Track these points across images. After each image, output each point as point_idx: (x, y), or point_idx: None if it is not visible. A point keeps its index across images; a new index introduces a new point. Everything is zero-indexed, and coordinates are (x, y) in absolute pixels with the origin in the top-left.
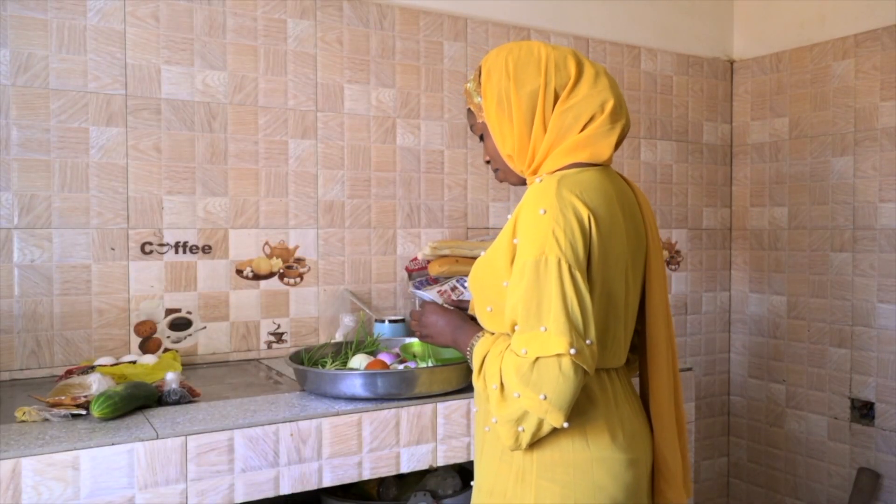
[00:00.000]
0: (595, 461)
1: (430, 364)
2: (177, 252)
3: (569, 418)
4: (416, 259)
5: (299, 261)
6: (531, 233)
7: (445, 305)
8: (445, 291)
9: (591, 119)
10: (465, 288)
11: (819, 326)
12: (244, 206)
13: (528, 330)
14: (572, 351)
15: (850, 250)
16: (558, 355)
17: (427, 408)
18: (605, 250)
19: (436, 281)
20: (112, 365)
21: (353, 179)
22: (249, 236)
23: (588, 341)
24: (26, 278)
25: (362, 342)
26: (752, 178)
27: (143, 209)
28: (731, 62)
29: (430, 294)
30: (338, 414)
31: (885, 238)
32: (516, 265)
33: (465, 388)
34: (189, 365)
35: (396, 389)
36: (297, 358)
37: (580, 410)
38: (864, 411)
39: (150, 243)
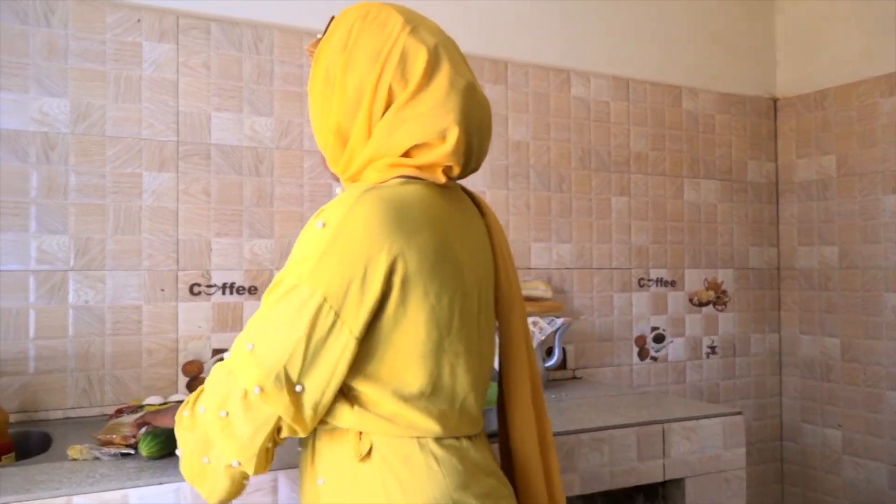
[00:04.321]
0: None
1: None
2: (224, 293)
3: (250, 467)
4: None
5: None
6: (302, 247)
7: None
8: None
9: (425, 146)
10: None
11: (875, 370)
12: (289, 248)
13: (243, 339)
14: (255, 389)
15: None
16: (245, 387)
17: None
18: (414, 284)
19: None
20: (160, 404)
21: None
22: None
23: (298, 387)
24: (80, 319)
25: None
26: (800, 216)
27: (192, 251)
28: (775, 100)
29: None
30: None
31: None
32: (274, 280)
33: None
34: None
35: None
36: None
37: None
38: None
39: (199, 284)
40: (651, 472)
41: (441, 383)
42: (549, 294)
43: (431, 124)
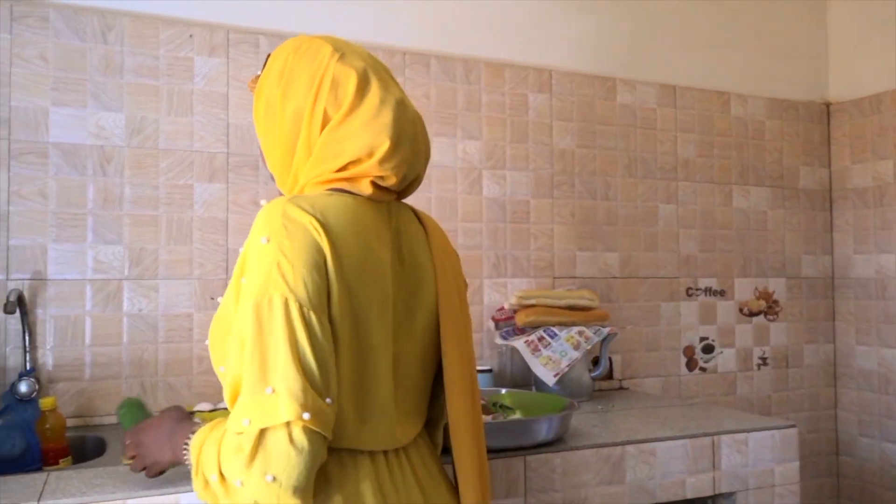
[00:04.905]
0: None
1: (518, 416)
2: None
3: (309, 501)
4: (502, 308)
5: None
6: (253, 268)
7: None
8: (532, 341)
9: (357, 161)
10: (552, 338)
11: None
12: None
13: (252, 394)
14: (306, 416)
15: None
16: (287, 424)
17: (516, 461)
18: (351, 288)
19: (523, 331)
20: (210, 411)
21: None
22: None
23: (328, 399)
24: (134, 326)
25: None
26: (855, 223)
27: None
28: (828, 105)
29: (518, 344)
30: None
31: None
32: (238, 312)
33: (554, 441)
34: None
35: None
36: None
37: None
38: None
39: None
40: (701, 486)
41: (357, 394)
42: (595, 303)
43: (365, 140)
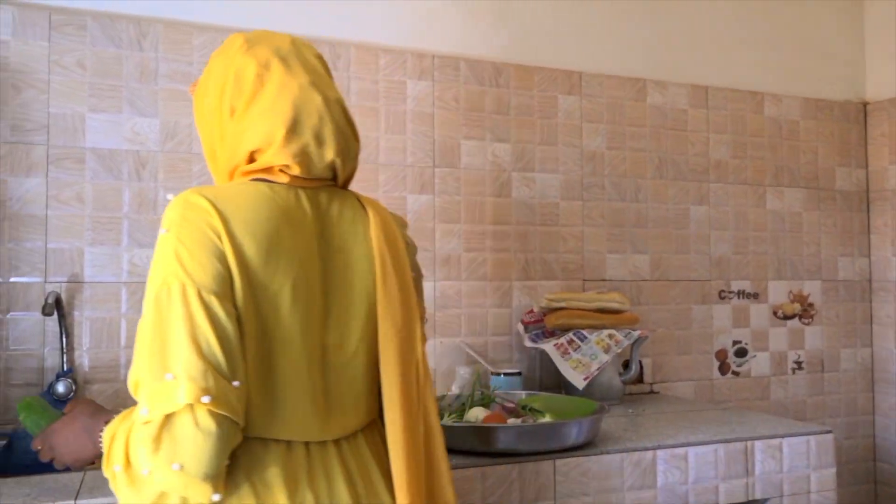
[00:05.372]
0: None
1: (548, 419)
2: None
3: (221, 488)
4: (532, 311)
5: None
6: (155, 260)
7: (71, 410)
8: (562, 344)
9: (259, 150)
10: (582, 341)
11: None
12: None
13: (153, 381)
14: (205, 399)
15: None
16: (191, 407)
17: (546, 464)
18: (255, 277)
19: (552, 334)
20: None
21: (468, 233)
22: None
23: (235, 382)
24: None
25: (479, 395)
26: (893, 225)
27: None
28: (865, 104)
29: (547, 347)
30: (454, 468)
31: None
32: (143, 304)
33: (584, 445)
34: None
35: (514, 445)
36: None
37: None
38: None
39: None
40: (734, 492)
41: (265, 382)
42: (625, 306)
43: (263, 128)
